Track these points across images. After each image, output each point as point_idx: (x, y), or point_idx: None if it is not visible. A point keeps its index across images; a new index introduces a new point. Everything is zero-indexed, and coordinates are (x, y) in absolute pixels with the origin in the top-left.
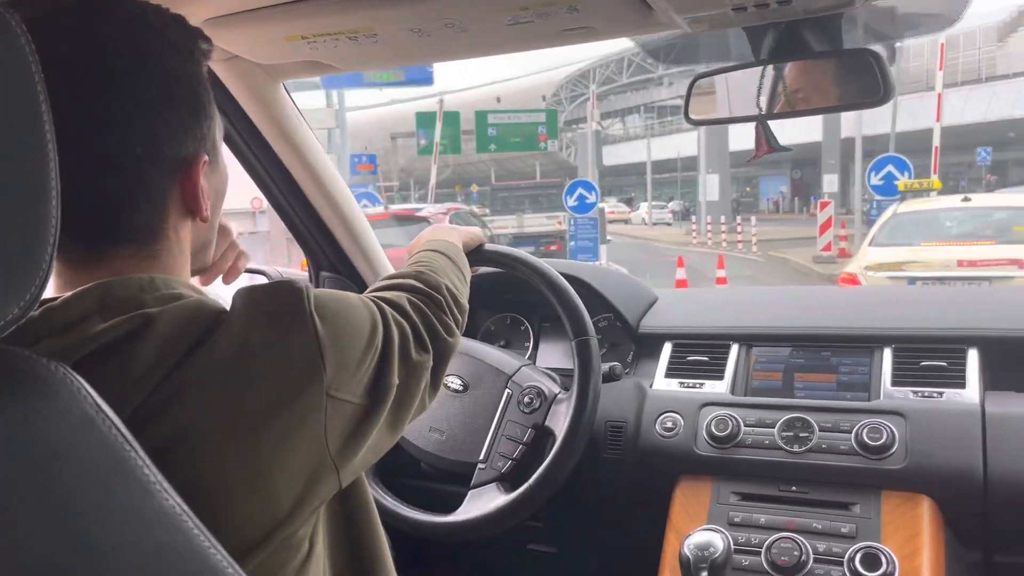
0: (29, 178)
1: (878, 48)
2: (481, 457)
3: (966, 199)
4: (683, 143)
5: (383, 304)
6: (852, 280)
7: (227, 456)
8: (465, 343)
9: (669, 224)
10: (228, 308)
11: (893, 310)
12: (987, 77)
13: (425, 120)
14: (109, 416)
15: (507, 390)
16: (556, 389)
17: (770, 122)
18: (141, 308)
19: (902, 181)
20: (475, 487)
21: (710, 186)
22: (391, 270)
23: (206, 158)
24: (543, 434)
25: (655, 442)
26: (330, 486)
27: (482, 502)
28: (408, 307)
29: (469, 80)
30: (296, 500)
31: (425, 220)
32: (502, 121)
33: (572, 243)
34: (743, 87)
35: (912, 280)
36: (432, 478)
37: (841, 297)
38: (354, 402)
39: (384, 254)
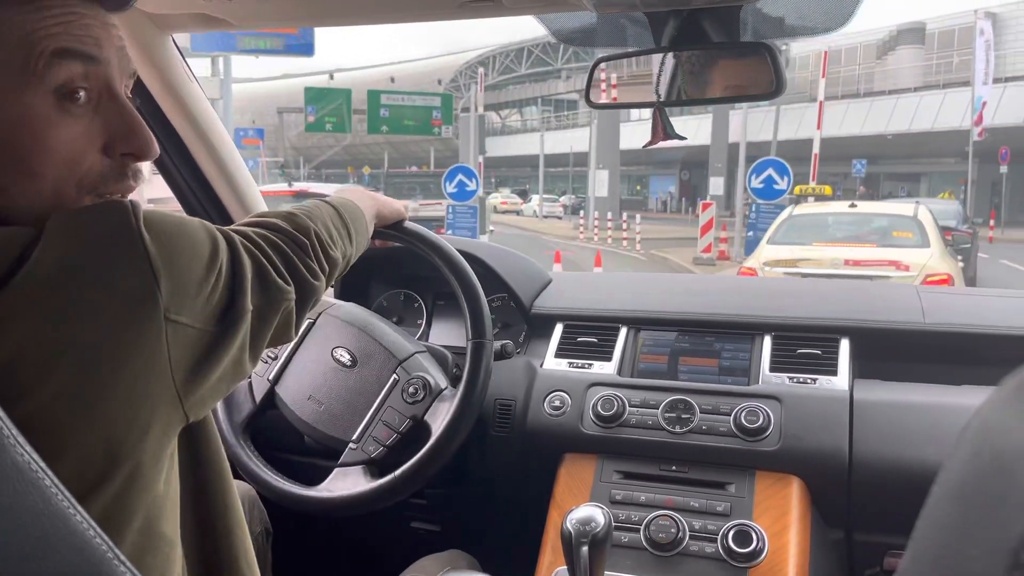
0: None
1: (773, 43)
2: (354, 437)
3: (853, 205)
4: (576, 138)
5: (233, 233)
6: (751, 274)
7: (60, 389)
8: (365, 317)
9: (559, 218)
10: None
11: (774, 300)
12: (865, 92)
13: (314, 96)
14: None
15: (394, 375)
16: (443, 384)
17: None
18: None
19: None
20: (341, 465)
21: (599, 182)
22: None
23: None
24: (420, 428)
25: (543, 420)
26: (174, 417)
27: (347, 482)
28: (262, 242)
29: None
30: (139, 432)
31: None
32: (396, 103)
33: (449, 231)
34: (643, 72)
35: (805, 276)
36: (303, 451)
37: (727, 285)
38: (197, 327)
39: (264, 205)
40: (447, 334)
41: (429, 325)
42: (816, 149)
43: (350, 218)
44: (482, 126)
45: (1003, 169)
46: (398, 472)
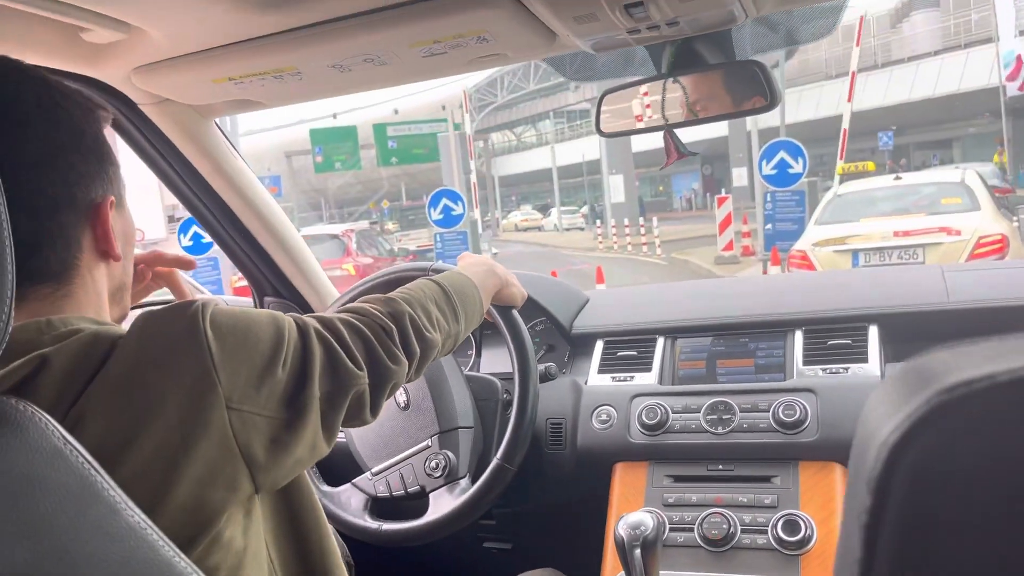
0: None
1: (762, 59)
2: (375, 469)
3: (898, 178)
4: (588, 147)
5: (308, 320)
6: (803, 257)
7: (133, 471)
8: (437, 369)
9: (582, 229)
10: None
11: (802, 295)
12: (883, 63)
13: (320, 137)
14: (75, 446)
15: (428, 441)
16: (462, 473)
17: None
18: (38, 350)
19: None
20: (354, 486)
21: (614, 187)
22: (333, 291)
23: (112, 199)
24: (423, 501)
25: (592, 434)
26: (249, 491)
27: (350, 506)
28: (342, 327)
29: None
30: (213, 509)
31: (336, 238)
32: (402, 133)
33: (439, 261)
34: (649, 99)
35: (856, 252)
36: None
37: (755, 286)
38: (265, 415)
39: (325, 275)
40: (497, 361)
41: (479, 354)
42: (846, 124)
43: (458, 297)
44: (464, 144)
45: None
46: (385, 528)
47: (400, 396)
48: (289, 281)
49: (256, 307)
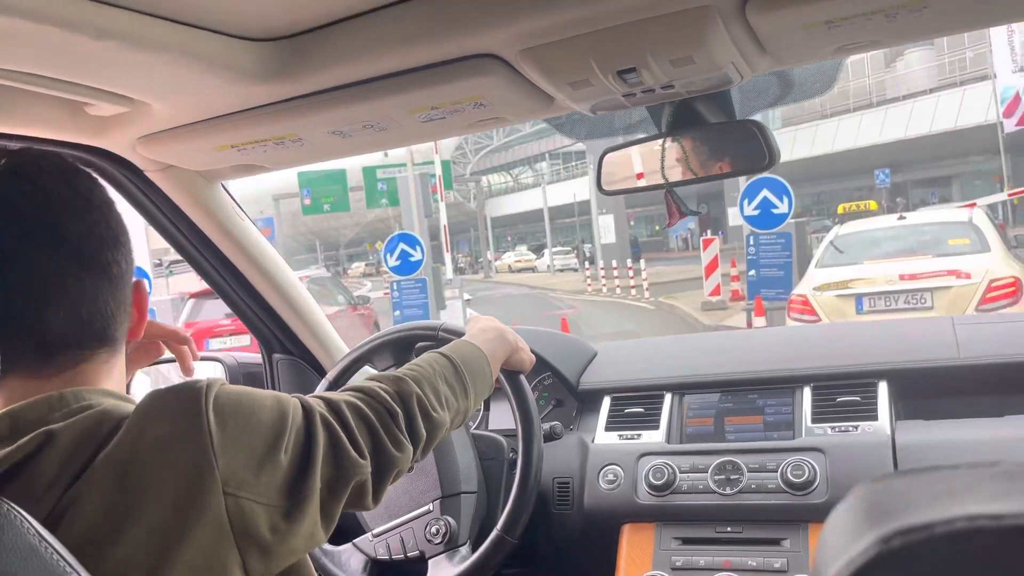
0: None
1: (760, 118)
2: (376, 531)
3: (901, 217)
4: (579, 187)
5: (314, 404)
6: (804, 302)
7: (127, 552)
8: (448, 436)
9: (575, 270)
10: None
11: (810, 349)
12: (878, 101)
13: (308, 179)
14: (51, 544)
15: (430, 505)
16: (462, 540)
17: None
18: (46, 426)
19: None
20: (355, 546)
21: (604, 228)
22: (343, 347)
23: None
24: (422, 567)
25: (600, 494)
26: None
27: (349, 567)
28: (347, 411)
29: None
30: None
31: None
32: (391, 175)
33: (396, 312)
34: (649, 158)
35: (860, 297)
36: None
37: (763, 340)
38: (262, 502)
39: (336, 333)
40: (506, 416)
41: (487, 409)
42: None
43: (468, 372)
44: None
45: None
46: None
47: None
48: (298, 338)
49: (265, 364)
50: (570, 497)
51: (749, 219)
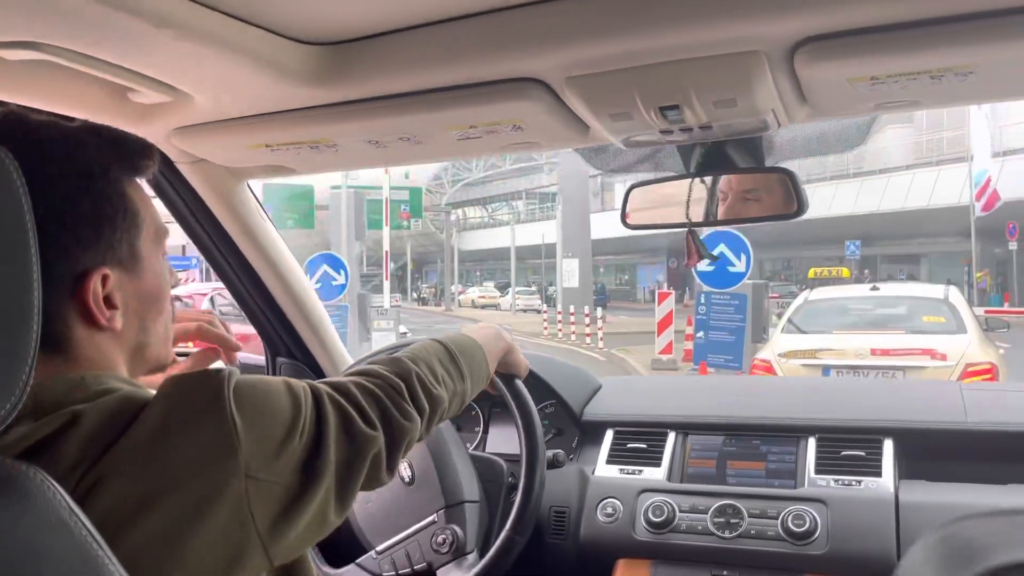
0: (16, 299)
1: (792, 167)
2: (379, 548)
3: (875, 288)
4: (549, 229)
5: (321, 387)
6: (767, 368)
7: (150, 532)
8: (441, 443)
9: (538, 311)
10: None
11: (817, 400)
12: (854, 172)
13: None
14: (81, 519)
15: (434, 515)
16: (470, 548)
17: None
18: (70, 406)
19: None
20: (359, 566)
21: (568, 272)
22: (347, 357)
23: (106, 271)
24: (429, 575)
25: (596, 527)
26: (260, 563)
27: None
28: (355, 390)
29: None
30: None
31: (180, 300)
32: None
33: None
34: (674, 197)
35: (827, 368)
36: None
37: (771, 387)
38: (280, 482)
39: (340, 341)
40: (503, 441)
41: (487, 432)
42: None
43: (462, 356)
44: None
45: (1012, 246)
46: None
47: (404, 471)
48: (304, 344)
49: (268, 367)
50: (566, 527)
51: (702, 276)
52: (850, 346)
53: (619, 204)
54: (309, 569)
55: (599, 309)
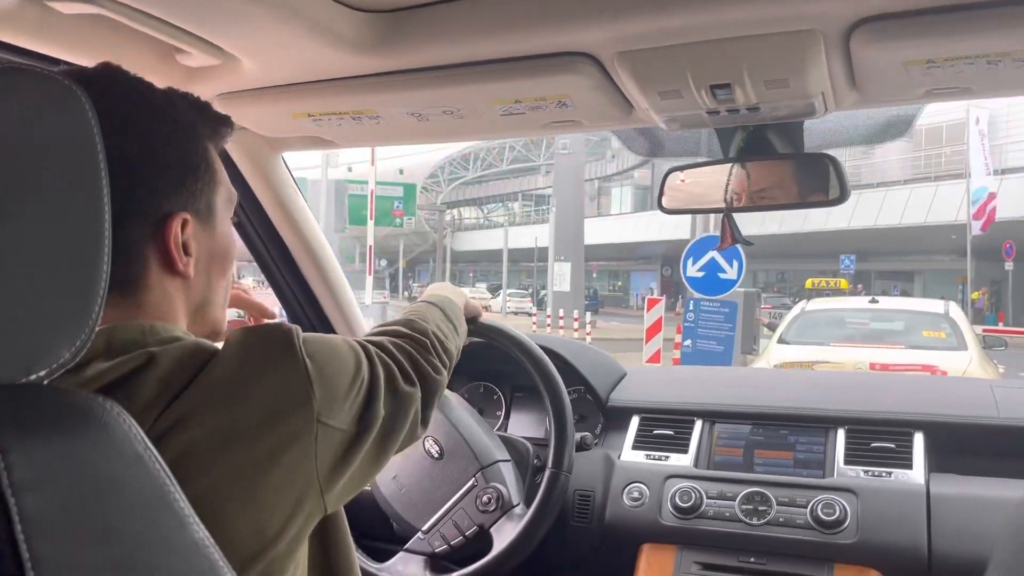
0: (89, 235)
1: (835, 152)
2: (425, 527)
3: (873, 300)
4: (542, 232)
5: (368, 345)
6: None
7: (223, 470)
8: (460, 413)
9: (529, 314)
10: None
11: (846, 393)
12: (852, 186)
13: None
14: (154, 453)
15: (473, 479)
16: (515, 500)
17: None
18: (144, 348)
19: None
20: (407, 551)
21: (559, 275)
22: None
23: (186, 216)
24: (484, 537)
25: (622, 511)
26: (315, 508)
27: (409, 568)
28: (392, 348)
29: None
30: (285, 519)
31: None
32: (353, 192)
33: None
34: (713, 181)
35: None
36: (368, 527)
37: (799, 378)
38: (342, 429)
39: (363, 320)
40: (526, 425)
41: (508, 416)
42: None
43: (452, 314)
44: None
45: (1008, 266)
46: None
47: (432, 447)
48: (329, 322)
49: None
50: (590, 511)
51: (691, 281)
52: (848, 359)
53: (615, 210)
54: (344, 521)
55: (588, 314)
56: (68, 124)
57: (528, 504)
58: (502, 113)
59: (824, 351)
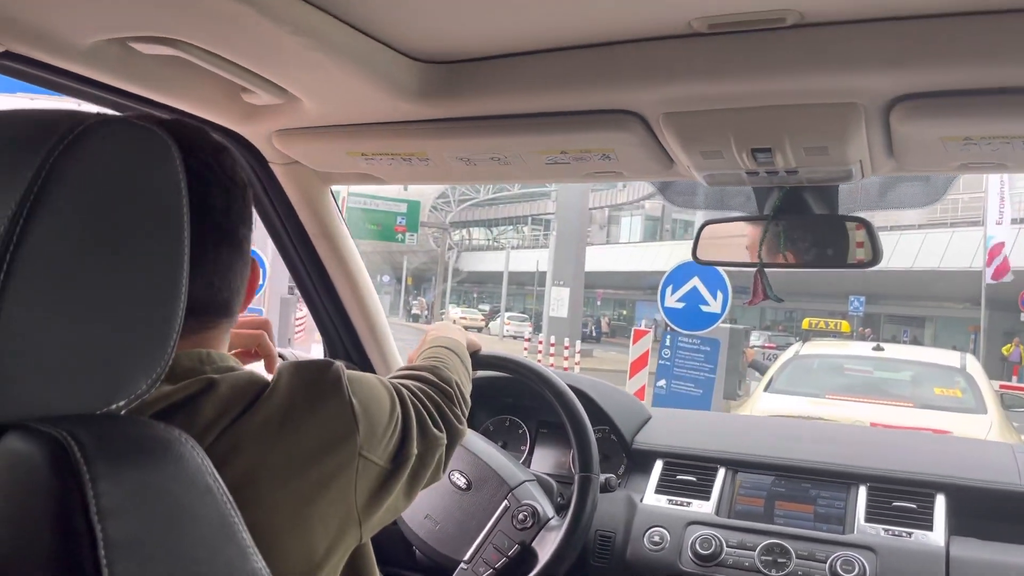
0: (170, 275)
1: (869, 217)
2: (466, 557)
3: (878, 348)
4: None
5: (401, 388)
6: None
7: (276, 499)
8: (479, 443)
9: (528, 339)
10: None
11: (869, 449)
12: None
13: None
14: (222, 486)
15: (505, 501)
16: (550, 513)
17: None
18: (203, 375)
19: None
20: None
21: (557, 300)
22: (401, 364)
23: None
24: (527, 553)
25: (642, 554)
26: (353, 537)
27: None
28: (421, 394)
29: None
30: (328, 546)
31: None
32: (357, 205)
33: None
34: (747, 236)
35: None
36: (411, 566)
37: (822, 432)
38: (380, 464)
39: (397, 352)
40: (549, 462)
41: (532, 452)
42: None
43: (463, 357)
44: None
45: None
46: None
47: (459, 479)
48: (364, 350)
49: None
50: (610, 552)
51: (668, 313)
52: (845, 416)
53: (624, 239)
54: (370, 553)
55: (577, 342)
56: (160, 172)
57: (561, 514)
58: (547, 162)
59: (819, 404)
